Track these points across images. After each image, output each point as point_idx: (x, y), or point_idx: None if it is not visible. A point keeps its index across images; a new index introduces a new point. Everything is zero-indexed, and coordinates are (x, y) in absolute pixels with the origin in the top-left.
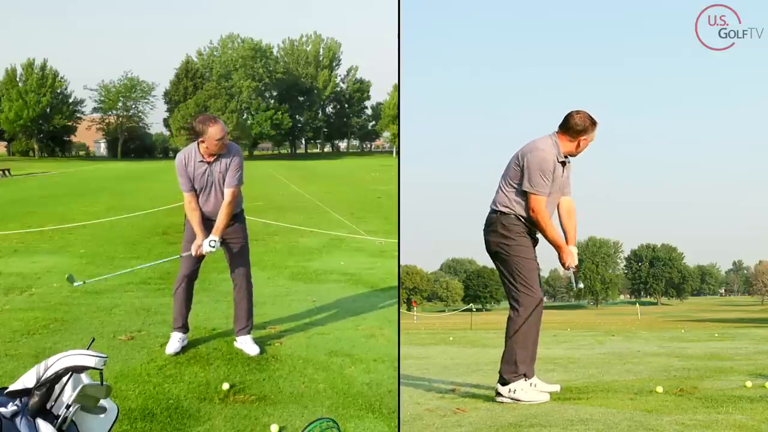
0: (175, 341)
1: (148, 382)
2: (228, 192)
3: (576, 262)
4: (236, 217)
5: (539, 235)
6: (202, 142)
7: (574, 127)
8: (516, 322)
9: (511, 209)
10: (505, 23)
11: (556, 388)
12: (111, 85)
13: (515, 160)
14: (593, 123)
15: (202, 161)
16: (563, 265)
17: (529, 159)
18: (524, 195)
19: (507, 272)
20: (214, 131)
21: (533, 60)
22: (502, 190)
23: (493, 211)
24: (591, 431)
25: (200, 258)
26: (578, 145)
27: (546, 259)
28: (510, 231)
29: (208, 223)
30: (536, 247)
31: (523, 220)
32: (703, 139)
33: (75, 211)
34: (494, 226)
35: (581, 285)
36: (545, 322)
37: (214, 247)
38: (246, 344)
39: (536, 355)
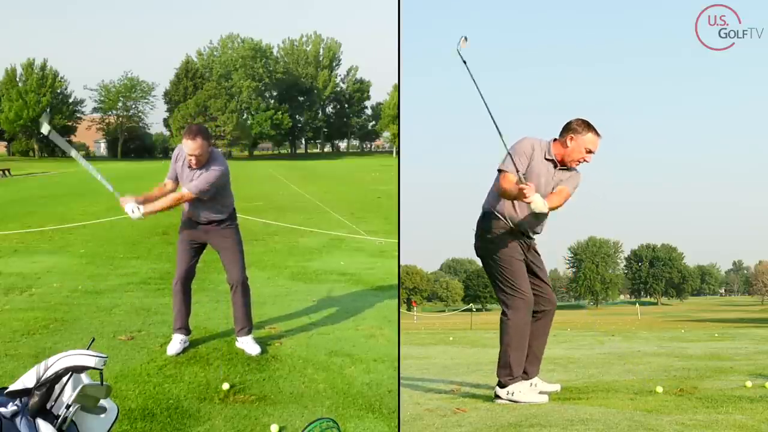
0: (176, 342)
1: (148, 382)
2: (183, 190)
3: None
4: (226, 220)
5: (536, 235)
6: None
7: (568, 126)
8: (507, 324)
9: (490, 206)
10: (505, 23)
11: (557, 387)
12: (111, 85)
13: None
14: (589, 128)
15: (190, 167)
16: (523, 196)
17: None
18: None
19: (494, 274)
20: (188, 146)
21: (533, 60)
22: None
23: (481, 214)
24: (591, 431)
25: (195, 256)
26: (565, 144)
27: (545, 259)
28: (490, 232)
29: (192, 223)
30: (530, 249)
31: (504, 217)
32: (703, 139)
33: (75, 211)
34: (477, 229)
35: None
36: None
37: (134, 213)
38: (247, 344)
39: (542, 354)
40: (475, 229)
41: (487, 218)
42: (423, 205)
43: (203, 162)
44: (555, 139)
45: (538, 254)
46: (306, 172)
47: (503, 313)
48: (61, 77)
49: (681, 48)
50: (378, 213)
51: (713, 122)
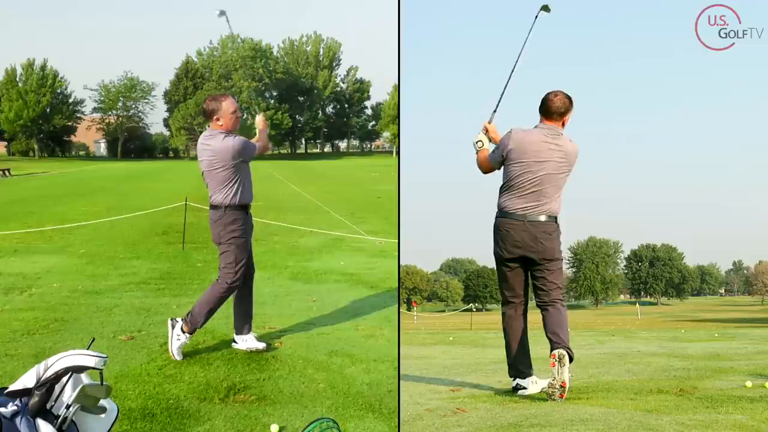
0: (183, 342)
1: (148, 382)
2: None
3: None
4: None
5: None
6: (217, 120)
7: (557, 111)
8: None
9: (556, 212)
10: (505, 23)
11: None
12: (111, 85)
13: None
14: (572, 101)
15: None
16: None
17: None
18: (505, 188)
19: (560, 273)
20: (227, 105)
21: (533, 60)
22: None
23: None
24: (591, 431)
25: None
26: (564, 125)
27: None
28: (559, 234)
29: (247, 210)
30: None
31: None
32: (703, 139)
33: (75, 211)
34: (549, 234)
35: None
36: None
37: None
38: (250, 342)
39: None
40: (543, 235)
41: (556, 222)
42: (423, 205)
43: (239, 116)
44: (544, 119)
45: None
46: (306, 172)
47: (562, 305)
48: (61, 77)
49: (681, 48)
50: (378, 213)
51: (713, 122)
